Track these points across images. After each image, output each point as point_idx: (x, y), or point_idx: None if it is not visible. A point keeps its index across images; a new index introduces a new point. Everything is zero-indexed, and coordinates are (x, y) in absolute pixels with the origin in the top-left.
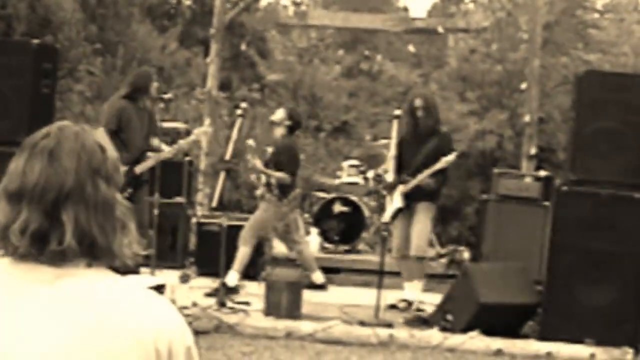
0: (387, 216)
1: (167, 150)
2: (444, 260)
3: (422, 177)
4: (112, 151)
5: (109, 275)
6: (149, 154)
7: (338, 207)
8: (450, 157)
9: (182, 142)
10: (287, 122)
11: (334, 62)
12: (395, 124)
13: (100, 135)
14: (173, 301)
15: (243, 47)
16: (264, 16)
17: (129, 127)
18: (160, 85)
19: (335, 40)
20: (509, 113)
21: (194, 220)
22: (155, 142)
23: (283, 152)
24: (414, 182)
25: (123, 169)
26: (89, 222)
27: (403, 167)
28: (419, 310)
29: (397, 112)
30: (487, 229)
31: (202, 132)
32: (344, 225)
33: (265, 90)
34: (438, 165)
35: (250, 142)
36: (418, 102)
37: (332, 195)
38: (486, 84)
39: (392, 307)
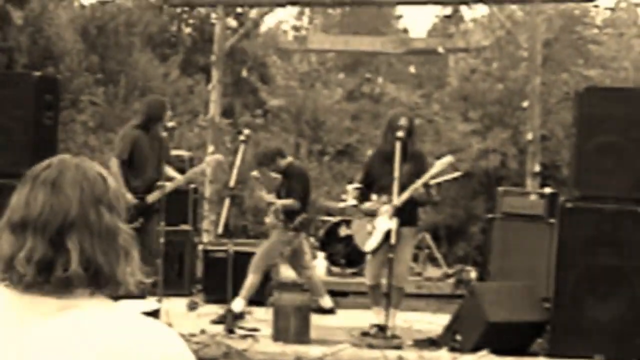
0: (373, 243)
1: (178, 179)
2: (451, 281)
3: (417, 185)
4: (113, 181)
5: (111, 304)
6: (161, 182)
7: (344, 231)
8: (447, 160)
9: (194, 170)
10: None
11: (335, 85)
12: (398, 146)
13: (112, 163)
14: (169, 325)
15: (244, 73)
16: (264, 42)
17: (142, 156)
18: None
19: (336, 63)
20: (512, 131)
21: (200, 247)
22: (168, 170)
23: (294, 177)
24: (408, 193)
25: (132, 199)
26: (93, 249)
27: (376, 187)
28: (394, 337)
29: (400, 134)
30: (493, 247)
31: (213, 160)
32: (350, 249)
33: (268, 115)
34: (434, 170)
35: (255, 173)
36: (403, 122)
37: (338, 218)
38: (488, 102)
39: (365, 334)
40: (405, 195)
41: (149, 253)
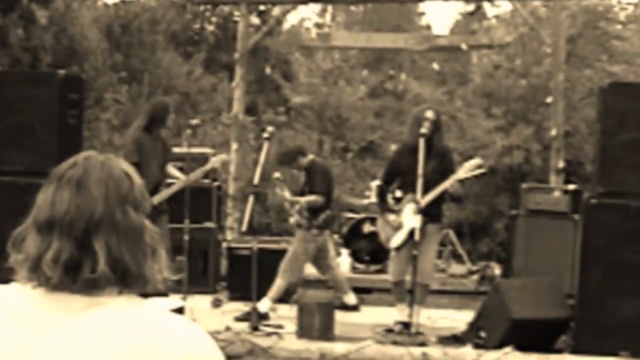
0: (398, 239)
1: (182, 180)
2: (475, 277)
3: (444, 186)
4: (138, 179)
5: (139, 301)
6: (167, 181)
7: (367, 228)
8: (474, 162)
9: (199, 171)
10: None
11: (358, 82)
12: (421, 142)
13: (126, 164)
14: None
15: (268, 70)
16: (288, 39)
17: (146, 158)
18: (187, 110)
19: (359, 60)
20: (535, 127)
21: (224, 244)
22: (172, 170)
23: (317, 174)
24: (434, 193)
25: None
26: (120, 249)
27: (401, 182)
28: (418, 333)
29: (424, 130)
30: (517, 244)
31: (220, 160)
32: (374, 245)
33: (292, 113)
34: (461, 172)
35: (277, 174)
36: (430, 114)
37: (361, 215)
38: (511, 99)
39: (389, 331)
40: (431, 195)
41: None
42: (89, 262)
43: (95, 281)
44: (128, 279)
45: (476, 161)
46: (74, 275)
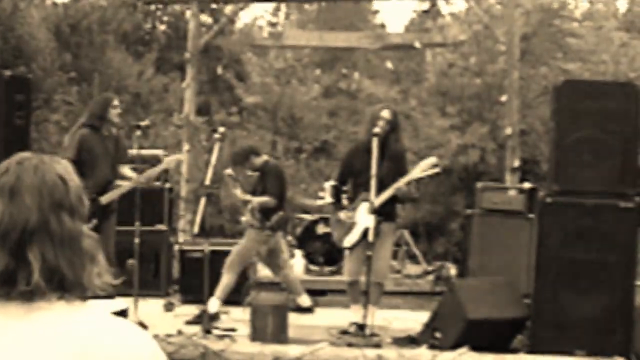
0: (352, 239)
1: (133, 179)
2: (430, 278)
3: (398, 185)
4: (75, 181)
5: (80, 305)
6: (118, 182)
7: (321, 229)
8: (430, 161)
9: (151, 171)
10: None
11: (312, 81)
12: (375, 142)
13: (65, 165)
14: (140, 325)
15: (220, 70)
16: (240, 38)
17: (92, 156)
18: (138, 111)
19: (313, 59)
20: (490, 126)
21: (176, 247)
22: (125, 170)
23: (270, 175)
24: (388, 193)
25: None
26: (56, 258)
27: (355, 183)
28: (373, 335)
29: (377, 130)
30: (473, 244)
31: (173, 160)
32: (328, 247)
33: (244, 113)
34: (416, 172)
35: (228, 171)
36: (386, 114)
37: (315, 216)
38: (466, 97)
39: (344, 332)
40: (385, 195)
41: (106, 254)
42: (24, 273)
43: (30, 293)
44: (66, 286)
45: (431, 160)
46: (9, 287)
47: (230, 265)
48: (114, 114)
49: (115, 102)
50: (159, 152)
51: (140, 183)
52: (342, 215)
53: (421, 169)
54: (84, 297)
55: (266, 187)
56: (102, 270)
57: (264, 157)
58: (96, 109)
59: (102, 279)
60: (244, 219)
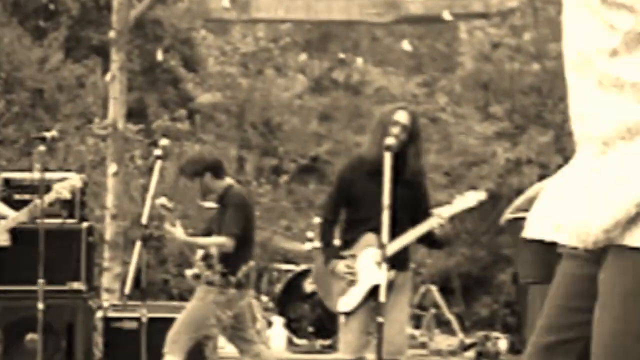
0: (352, 300)
1: (12, 217)
2: (470, 354)
3: (432, 224)
4: None
5: None
6: None
7: (310, 285)
8: (476, 195)
9: (37, 202)
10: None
11: (295, 71)
12: (387, 158)
13: None
14: None
15: (160, 55)
16: (189, 9)
17: None
18: (40, 116)
19: (295, 39)
20: (554, 133)
21: (99, 314)
22: None
23: (229, 206)
24: (413, 234)
25: None
26: None
27: (354, 217)
28: None
29: (391, 140)
30: (532, 304)
31: (66, 187)
32: (320, 311)
33: (197, 117)
34: (452, 209)
35: (163, 200)
36: (402, 117)
37: (302, 267)
38: (518, 91)
39: None
40: (404, 241)
41: None
42: None
43: None
44: None
45: (479, 195)
46: None
47: (176, 340)
48: None
49: None
50: (70, 175)
51: (7, 227)
52: (339, 267)
53: (460, 204)
54: None
55: (223, 223)
56: None
57: (227, 181)
58: None
59: None
60: (190, 272)
